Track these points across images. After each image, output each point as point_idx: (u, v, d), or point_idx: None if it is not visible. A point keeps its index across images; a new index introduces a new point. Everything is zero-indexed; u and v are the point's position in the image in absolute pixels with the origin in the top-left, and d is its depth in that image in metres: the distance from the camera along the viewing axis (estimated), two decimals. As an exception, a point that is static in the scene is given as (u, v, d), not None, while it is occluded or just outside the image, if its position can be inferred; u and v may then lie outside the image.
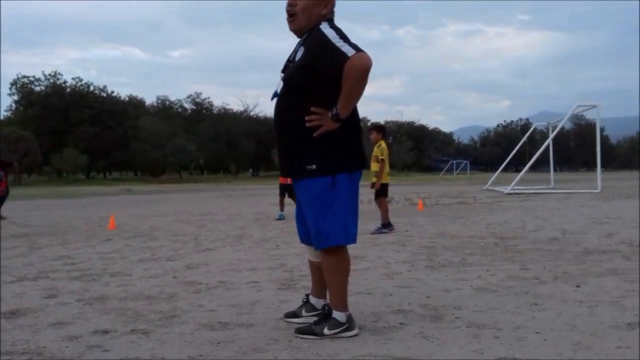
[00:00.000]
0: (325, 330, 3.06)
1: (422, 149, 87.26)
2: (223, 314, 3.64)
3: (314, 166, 3.03)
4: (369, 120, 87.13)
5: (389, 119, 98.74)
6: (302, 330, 3.12)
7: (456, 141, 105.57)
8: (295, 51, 3.19)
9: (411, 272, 5.01)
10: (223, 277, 4.92)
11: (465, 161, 77.13)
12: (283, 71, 3.23)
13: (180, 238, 8.04)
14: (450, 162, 77.34)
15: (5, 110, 62.21)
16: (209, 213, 13.06)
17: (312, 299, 3.45)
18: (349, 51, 2.85)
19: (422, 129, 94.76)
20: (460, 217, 10.59)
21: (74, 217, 12.51)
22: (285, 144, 3.14)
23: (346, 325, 3.09)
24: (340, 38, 2.92)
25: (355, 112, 3.12)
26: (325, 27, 2.99)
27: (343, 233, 3.07)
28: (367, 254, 6.12)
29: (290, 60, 3.21)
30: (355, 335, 3.09)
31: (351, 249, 3.21)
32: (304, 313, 3.41)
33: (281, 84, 3.18)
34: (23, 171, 48.55)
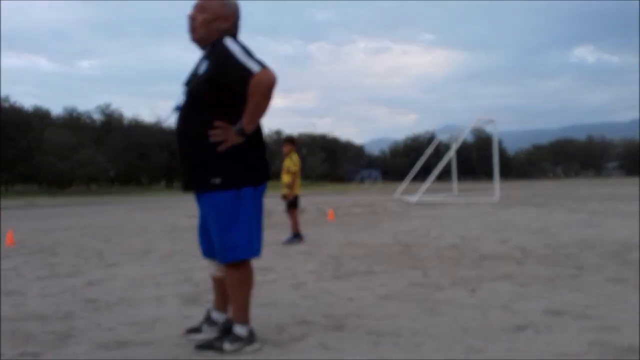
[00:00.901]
0: (226, 345, 3.05)
1: (335, 160, 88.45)
2: (122, 332, 3.53)
3: (218, 180, 3.01)
4: (282, 132, 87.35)
5: (303, 130, 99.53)
6: (203, 346, 3.08)
7: (367, 153, 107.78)
8: (198, 64, 3.18)
9: (318, 282, 5.07)
10: (125, 294, 4.77)
11: (376, 172, 78.90)
12: (186, 84, 3.21)
13: (84, 253, 7.72)
14: (362, 173, 78.88)
15: None
16: (117, 226, 12.62)
17: (214, 314, 3.41)
18: (254, 67, 2.87)
19: (335, 141, 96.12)
20: (370, 226, 10.81)
21: (-33, 234, 11.72)
22: (189, 158, 3.11)
23: (247, 340, 3.09)
24: (245, 53, 2.94)
25: (259, 126, 3.15)
26: (230, 43, 3.00)
27: (248, 247, 3.08)
28: (275, 265, 6.12)
29: (193, 74, 3.20)
30: (257, 349, 3.09)
31: (260, 260, 3.22)
32: (205, 328, 3.37)
33: (183, 97, 3.16)
34: None
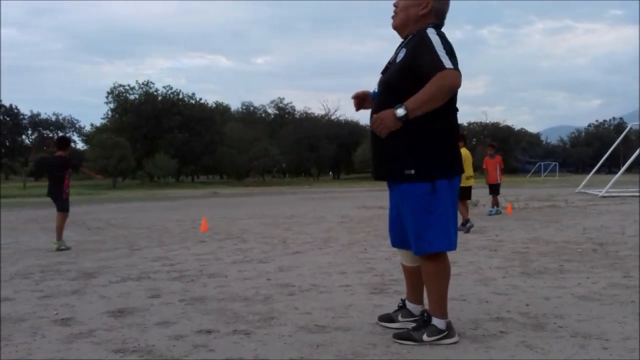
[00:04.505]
0: (425, 337, 3.04)
1: (507, 150, 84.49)
2: (319, 316, 3.69)
3: (412, 171, 3.00)
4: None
5: (473, 120, 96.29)
6: (401, 336, 3.11)
7: (544, 142, 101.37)
8: (396, 53, 3.19)
9: (506, 278, 4.89)
10: (315, 280, 4.98)
11: (554, 163, 74.02)
12: (383, 72, 3.24)
13: (269, 240, 8.20)
14: (537, 164, 74.49)
15: (102, 118, 65.36)
16: (294, 216, 13.23)
17: (409, 305, 3.43)
18: (447, 63, 2.81)
19: (508, 129, 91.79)
20: (553, 221, 10.19)
21: (167, 220, 12.99)
22: (383, 147, 3.10)
23: (446, 333, 3.05)
24: (444, 48, 2.88)
25: (454, 118, 3.10)
26: (432, 33, 2.95)
27: (445, 240, 3.04)
28: (457, 259, 6.00)
29: (390, 62, 3.22)
30: (455, 342, 3.05)
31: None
32: (399, 318, 3.40)
33: (379, 86, 3.20)
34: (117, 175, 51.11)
